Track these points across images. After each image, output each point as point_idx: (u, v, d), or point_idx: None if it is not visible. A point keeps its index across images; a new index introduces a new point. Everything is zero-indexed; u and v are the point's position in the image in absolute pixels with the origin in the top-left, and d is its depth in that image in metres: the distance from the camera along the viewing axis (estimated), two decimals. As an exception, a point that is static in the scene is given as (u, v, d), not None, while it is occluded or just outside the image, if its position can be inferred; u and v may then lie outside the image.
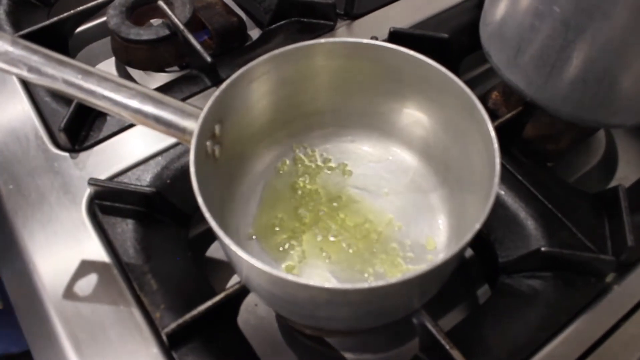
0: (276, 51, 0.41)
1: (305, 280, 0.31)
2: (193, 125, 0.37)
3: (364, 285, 0.31)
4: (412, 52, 0.42)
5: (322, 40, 0.42)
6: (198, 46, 0.56)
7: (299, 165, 0.48)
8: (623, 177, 0.59)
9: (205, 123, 0.38)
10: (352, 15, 0.64)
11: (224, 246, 0.33)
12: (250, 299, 0.41)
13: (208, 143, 0.39)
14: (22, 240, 0.46)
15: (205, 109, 0.38)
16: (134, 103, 0.39)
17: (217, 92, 0.39)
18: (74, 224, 0.47)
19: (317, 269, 0.42)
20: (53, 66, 0.40)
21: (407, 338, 0.46)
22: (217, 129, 0.40)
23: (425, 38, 0.58)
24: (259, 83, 0.42)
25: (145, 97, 0.39)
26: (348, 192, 0.46)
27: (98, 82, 0.39)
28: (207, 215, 0.33)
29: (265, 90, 0.43)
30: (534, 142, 0.55)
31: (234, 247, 0.31)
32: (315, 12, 0.62)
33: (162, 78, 0.65)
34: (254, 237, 0.44)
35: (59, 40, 0.62)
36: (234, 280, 0.40)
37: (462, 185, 0.43)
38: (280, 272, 0.31)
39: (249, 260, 0.31)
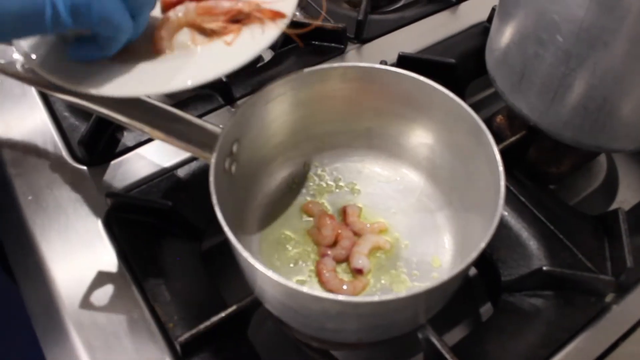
0: (292, 74, 0.43)
1: (318, 292, 0.32)
2: (213, 143, 0.39)
3: (374, 298, 0.32)
4: (420, 77, 0.44)
5: (336, 64, 0.44)
6: (213, 66, 0.58)
7: (310, 184, 0.49)
8: (623, 200, 0.60)
9: (225, 141, 0.39)
10: (362, 39, 0.65)
11: (240, 258, 0.35)
12: (261, 312, 0.42)
13: (225, 160, 0.41)
14: (40, 250, 0.47)
15: (226, 127, 0.39)
16: (156, 120, 0.40)
17: (237, 112, 0.40)
18: (91, 235, 0.48)
19: (326, 284, 0.43)
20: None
21: (411, 352, 0.47)
22: (234, 146, 0.42)
23: (433, 63, 0.60)
24: (274, 104, 0.44)
25: (167, 114, 0.40)
26: (357, 210, 0.47)
27: (122, 99, 0.41)
28: (226, 229, 0.34)
29: (281, 111, 0.45)
30: (537, 165, 0.56)
31: (251, 260, 0.33)
32: (326, 36, 0.63)
33: (176, 96, 0.66)
34: (265, 252, 0.45)
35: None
36: (245, 293, 0.42)
37: (467, 206, 0.44)
38: (295, 285, 0.33)
39: (265, 272, 0.33)
